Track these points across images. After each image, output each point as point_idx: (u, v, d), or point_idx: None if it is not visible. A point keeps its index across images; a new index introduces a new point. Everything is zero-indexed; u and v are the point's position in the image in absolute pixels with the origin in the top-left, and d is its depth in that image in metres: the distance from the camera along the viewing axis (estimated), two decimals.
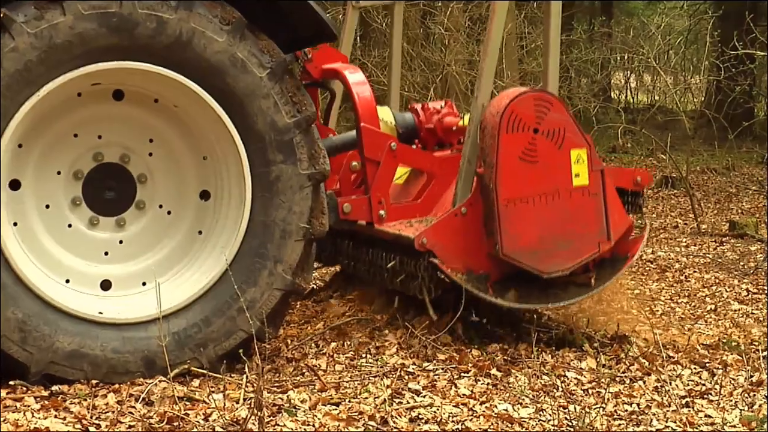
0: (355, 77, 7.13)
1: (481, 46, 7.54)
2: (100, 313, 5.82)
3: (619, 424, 5.47)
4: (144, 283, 6.09)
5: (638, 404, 5.81)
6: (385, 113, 7.54)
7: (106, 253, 6.10)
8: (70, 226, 6.04)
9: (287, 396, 5.64)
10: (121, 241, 6.13)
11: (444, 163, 7.19)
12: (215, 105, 5.88)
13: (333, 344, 6.75)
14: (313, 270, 6.19)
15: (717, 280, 9.83)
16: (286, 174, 6.01)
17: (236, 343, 5.93)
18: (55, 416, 5.21)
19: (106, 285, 6.06)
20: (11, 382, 5.57)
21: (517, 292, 6.70)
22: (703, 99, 23.62)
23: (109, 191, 6.10)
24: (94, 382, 5.67)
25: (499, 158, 6.54)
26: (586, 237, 6.72)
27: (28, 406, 5.35)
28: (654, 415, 5.62)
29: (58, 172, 5.99)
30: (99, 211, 6.09)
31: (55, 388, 5.60)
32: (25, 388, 5.56)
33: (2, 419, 5.07)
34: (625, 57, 20.73)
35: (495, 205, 6.54)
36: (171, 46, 5.74)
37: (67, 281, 5.97)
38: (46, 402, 5.42)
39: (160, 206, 6.19)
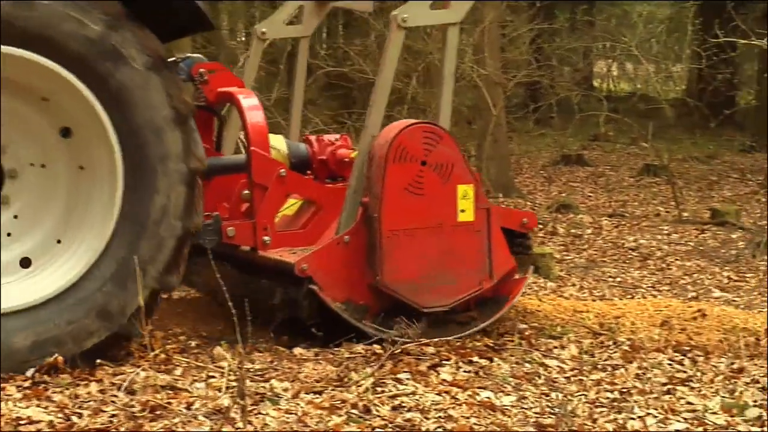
0: (249, 102, 6.97)
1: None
2: None
3: (601, 411, 5.49)
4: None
5: (620, 391, 5.83)
6: (278, 142, 7.43)
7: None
8: None
9: (270, 384, 5.64)
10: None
11: (333, 194, 7.04)
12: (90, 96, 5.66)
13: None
14: (183, 268, 5.99)
15: (699, 268, 9.88)
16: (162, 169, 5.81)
17: (99, 340, 5.77)
18: (37, 405, 5.20)
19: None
20: None
21: (396, 326, 6.44)
22: (684, 87, 23.68)
23: None
24: (77, 371, 5.66)
25: (385, 188, 6.47)
26: (468, 274, 6.61)
27: (10, 395, 5.34)
28: (636, 402, 5.64)
29: None
30: None
31: (37, 377, 5.58)
32: (6, 377, 5.55)
33: None
34: (607, 45, 20.76)
35: (378, 235, 6.45)
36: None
37: None
38: (28, 391, 5.41)
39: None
